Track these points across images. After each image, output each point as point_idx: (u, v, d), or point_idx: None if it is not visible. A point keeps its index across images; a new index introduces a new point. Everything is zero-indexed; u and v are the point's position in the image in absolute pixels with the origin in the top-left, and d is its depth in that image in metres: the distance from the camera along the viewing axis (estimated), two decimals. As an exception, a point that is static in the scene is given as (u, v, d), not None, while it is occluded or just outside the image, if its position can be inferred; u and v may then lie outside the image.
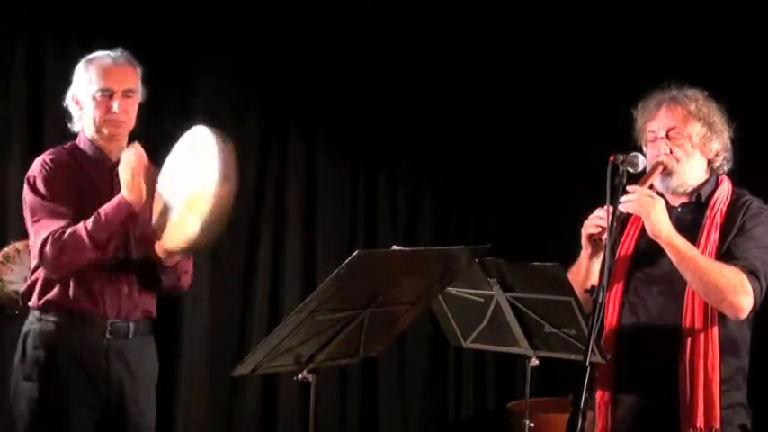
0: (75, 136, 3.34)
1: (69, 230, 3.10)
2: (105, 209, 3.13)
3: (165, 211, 3.13)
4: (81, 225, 3.10)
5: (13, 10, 4.28)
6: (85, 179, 3.25)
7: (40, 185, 3.17)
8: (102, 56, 3.26)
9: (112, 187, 3.25)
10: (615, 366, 3.10)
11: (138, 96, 3.30)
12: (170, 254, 3.20)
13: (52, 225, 3.12)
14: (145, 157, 3.19)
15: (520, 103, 5.54)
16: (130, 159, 3.17)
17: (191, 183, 3.07)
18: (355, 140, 5.39)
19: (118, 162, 3.28)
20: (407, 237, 5.49)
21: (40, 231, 3.13)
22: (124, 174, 3.16)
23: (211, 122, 4.89)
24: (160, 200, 3.17)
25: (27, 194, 3.21)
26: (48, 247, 3.09)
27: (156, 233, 3.18)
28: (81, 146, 3.30)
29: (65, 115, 3.35)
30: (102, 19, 4.35)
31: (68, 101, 3.31)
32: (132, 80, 3.27)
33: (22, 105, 4.28)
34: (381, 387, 5.43)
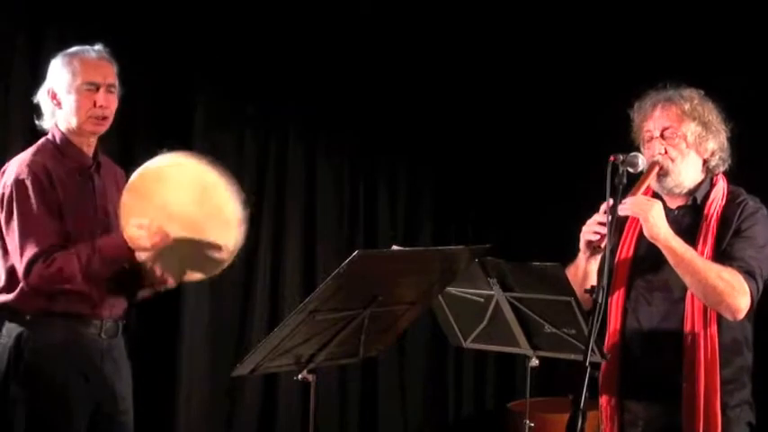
0: (44, 132, 3.27)
1: (62, 258, 3.02)
2: (107, 249, 3.08)
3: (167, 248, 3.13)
4: (74, 256, 3.04)
5: (13, 8, 4.28)
6: (67, 177, 3.17)
7: (29, 194, 3.07)
8: (86, 50, 3.23)
9: (93, 183, 3.23)
10: (620, 373, 3.11)
11: (117, 93, 3.26)
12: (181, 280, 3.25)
13: (40, 242, 3.03)
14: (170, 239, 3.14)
15: (519, 103, 5.54)
16: (161, 240, 3.11)
17: (204, 224, 3.10)
18: (355, 141, 5.40)
19: (94, 158, 3.26)
20: (407, 237, 5.49)
21: (27, 247, 3.03)
22: (147, 238, 3.09)
23: (210, 123, 4.93)
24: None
25: (13, 199, 3.09)
26: (36, 268, 3.02)
27: (158, 270, 3.19)
28: (57, 142, 3.21)
29: (33, 111, 3.29)
30: (103, 18, 4.34)
31: (42, 96, 3.24)
32: (113, 75, 3.24)
33: (22, 104, 4.28)
34: (381, 387, 5.43)
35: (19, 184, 3.10)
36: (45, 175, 3.12)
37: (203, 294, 4.82)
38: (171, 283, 3.26)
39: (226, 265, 3.19)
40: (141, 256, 3.15)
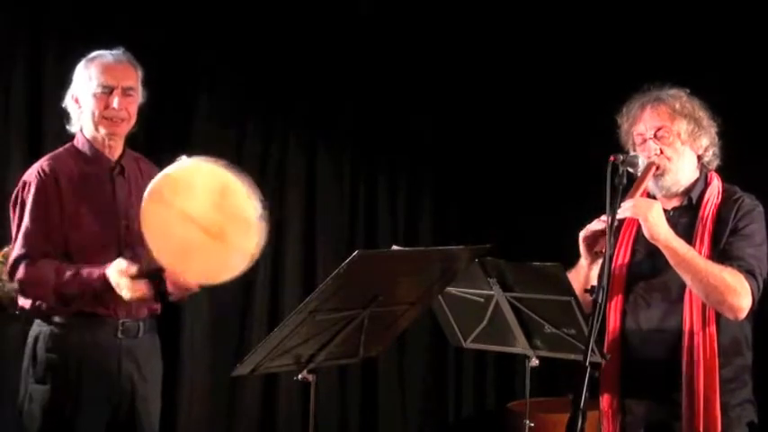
0: (72, 137, 3.32)
1: (44, 266, 3.08)
2: (89, 278, 3.08)
3: (189, 246, 3.06)
4: (53, 269, 3.07)
5: (13, 10, 4.28)
6: (85, 181, 3.21)
7: (30, 198, 3.14)
8: (104, 54, 3.27)
9: (114, 187, 3.24)
10: (620, 373, 3.11)
11: (138, 96, 3.29)
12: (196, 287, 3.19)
13: (30, 245, 3.11)
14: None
15: (519, 104, 5.54)
16: (140, 297, 3.10)
17: (225, 226, 3.02)
18: (355, 141, 5.40)
19: (118, 161, 3.29)
20: (407, 237, 5.49)
21: (18, 247, 3.12)
22: (132, 292, 3.08)
23: (211, 122, 4.93)
24: (175, 235, 3.08)
25: (17, 200, 3.19)
26: (19, 272, 3.11)
27: (171, 269, 3.12)
28: (79, 146, 3.27)
29: (63, 116, 3.34)
30: (103, 20, 4.35)
31: (68, 100, 3.30)
32: (132, 79, 3.27)
33: (22, 105, 4.28)
34: (381, 387, 5.43)
35: (24, 186, 3.18)
36: (52, 179, 3.16)
37: (203, 294, 4.81)
38: (194, 287, 3.19)
39: (249, 264, 3.08)
40: (165, 265, 3.12)
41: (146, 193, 3.09)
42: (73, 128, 3.31)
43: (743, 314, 2.98)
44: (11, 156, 4.21)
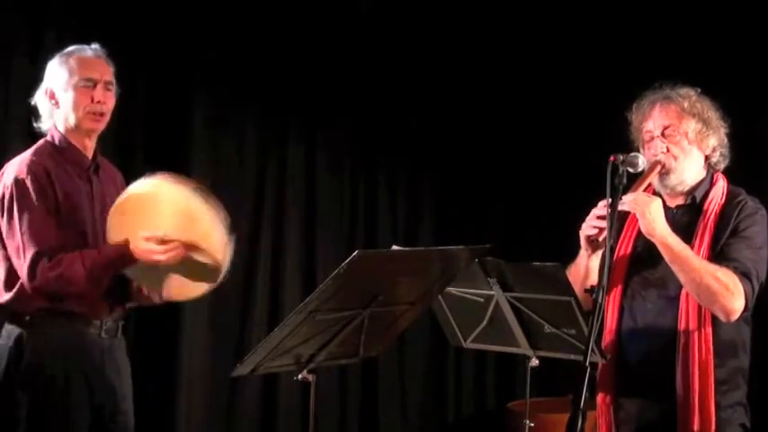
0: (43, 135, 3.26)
1: (67, 261, 3.01)
2: (108, 254, 3.06)
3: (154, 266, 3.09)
4: (79, 260, 3.02)
5: (13, 10, 4.28)
6: (66, 177, 3.16)
7: (30, 192, 3.06)
8: (82, 48, 3.23)
9: (91, 185, 3.21)
10: (616, 370, 3.10)
11: (114, 92, 3.25)
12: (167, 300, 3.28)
13: (43, 242, 3.02)
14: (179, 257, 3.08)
15: (520, 104, 5.54)
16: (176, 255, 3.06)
17: (194, 244, 3.05)
18: (355, 141, 5.40)
19: (93, 159, 3.25)
20: (407, 237, 5.49)
21: (29, 246, 3.02)
22: (155, 252, 3.04)
23: (211, 122, 4.93)
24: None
25: (13, 198, 3.07)
26: (40, 269, 3.00)
27: (143, 287, 3.23)
28: (56, 143, 3.20)
29: (31, 113, 3.28)
30: (102, 20, 4.34)
31: (39, 97, 3.24)
32: (110, 74, 3.24)
33: (22, 105, 4.28)
34: (381, 387, 5.43)
35: (18, 183, 3.08)
36: (44, 174, 3.10)
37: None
38: (156, 300, 3.28)
39: (212, 286, 3.19)
40: (127, 271, 3.15)
41: (111, 209, 3.10)
42: (43, 125, 3.25)
43: (734, 316, 2.97)
44: (11, 152, 4.21)
